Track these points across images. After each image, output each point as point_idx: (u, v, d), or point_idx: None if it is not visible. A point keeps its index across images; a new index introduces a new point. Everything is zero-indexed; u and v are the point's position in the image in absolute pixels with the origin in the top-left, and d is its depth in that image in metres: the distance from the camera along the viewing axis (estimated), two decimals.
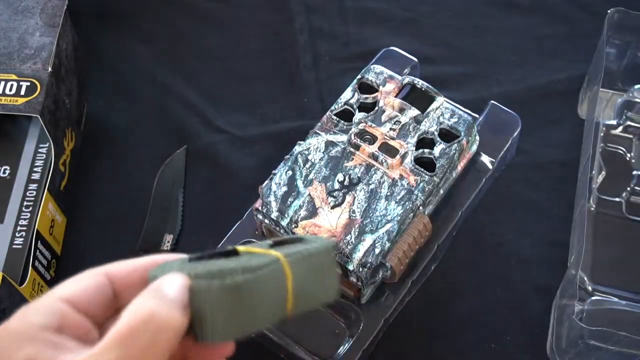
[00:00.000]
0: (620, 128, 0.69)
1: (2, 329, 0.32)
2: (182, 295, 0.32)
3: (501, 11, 0.79)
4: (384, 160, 0.57)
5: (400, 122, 0.60)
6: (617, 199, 0.65)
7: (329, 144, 0.59)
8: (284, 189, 0.57)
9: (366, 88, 0.62)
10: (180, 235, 0.65)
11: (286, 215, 0.56)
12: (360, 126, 0.59)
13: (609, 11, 0.68)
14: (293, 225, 0.55)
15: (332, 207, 0.56)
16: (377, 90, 0.62)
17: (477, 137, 0.61)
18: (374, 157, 0.58)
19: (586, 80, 0.72)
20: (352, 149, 0.58)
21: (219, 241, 0.60)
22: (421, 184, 0.57)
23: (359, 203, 0.56)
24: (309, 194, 0.56)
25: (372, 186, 0.57)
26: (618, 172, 0.66)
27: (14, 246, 0.60)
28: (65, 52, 0.66)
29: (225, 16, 0.80)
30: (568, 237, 0.64)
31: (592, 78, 0.69)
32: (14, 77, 0.61)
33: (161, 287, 0.32)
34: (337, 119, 0.61)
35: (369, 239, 0.54)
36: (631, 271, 0.63)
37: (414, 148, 0.59)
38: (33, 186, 0.64)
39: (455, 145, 0.59)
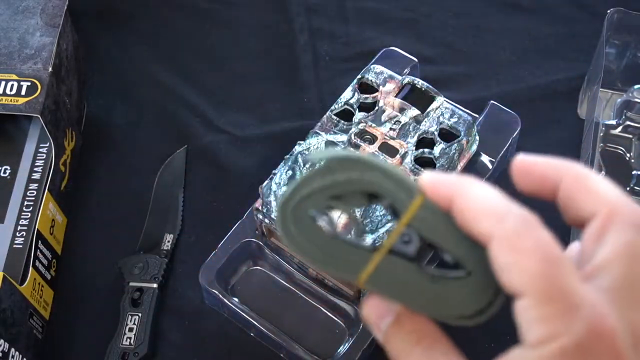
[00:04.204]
0: (620, 128, 0.69)
1: None
2: None
3: (501, 11, 0.79)
4: (384, 160, 0.57)
5: (400, 122, 0.60)
6: None
7: (329, 144, 0.59)
8: (284, 188, 0.57)
9: (366, 88, 0.63)
10: (181, 235, 0.65)
11: None
12: (360, 126, 0.59)
13: (608, 11, 0.68)
14: None
15: None
16: (377, 90, 0.62)
17: (477, 137, 0.61)
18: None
19: (586, 80, 0.72)
20: (352, 149, 0.58)
21: (219, 241, 0.60)
22: None
23: None
24: None
25: None
26: (618, 172, 0.66)
27: (15, 246, 0.60)
28: (66, 52, 0.66)
29: (225, 16, 0.80)
30: (568, 237, 0.64)
31: (591, 78, 0.69)
32: (14, 77, 0.61)
33: None
34: (337, 118, 0.61)
35: (369, 239, 0.54)
36: None
37: (414, 148, 0.59)
38: (33, 186, 0.64)
39: (455, 145, 0.59)
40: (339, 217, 0.31)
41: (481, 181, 0.30)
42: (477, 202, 0.29)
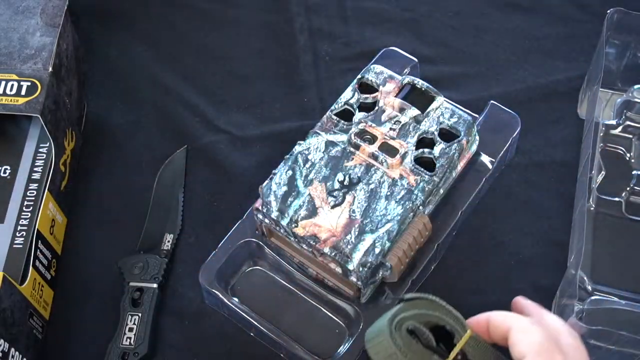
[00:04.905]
0: (620, 128, 0.69)
1: None
2: None
3: (501, 11, 0.79)
4: (384, 160, 0.57)
5: (400, 122, 0.60)
6: (616, 199, 0.65)
7: (329, 144, 0.59)
8: (284, 188, 0.57)
9: (366, 88, 0.63)
10: (181, 235, 0.65)
11: (286, 215, 0.56)
12: (360, 126, 0.59)
13: (608, 11, 0.68)
14: (293, 225, 0.55)
15: (332, 207, 0.56)
16: (377, 90, 0.62)
17: (477, 137, 0.61)
18: (374, 156, 0.58)
19: (586, 80, 0.72)
20: (352, 149, 0.58)
21: (219, 241, 0.60)
22: (421, 184, 0.57)
23: (359, 203, 0.56)
24: (309, 194, 0.56)
25: (372, 186, 0.57)
26: (618, 172, 0.66)
27: (15, 246, 0.60)
28: (66, 52, 0.66)
29: (225, 16, 0.80)
30: (568, 237, 0.64)
31: (591, 78, 0.69)
32: (14, 77, 0.61)
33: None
34: (337, 118, 0.61)
35: (369, 239, 0.54)
36: (630, 271, 0.63)
37: (414, 148, 0.59)
38: (33, 186, 0.64)
39: (455, 145, 0.59)
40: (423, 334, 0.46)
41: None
42: (498, 317, 0.46)
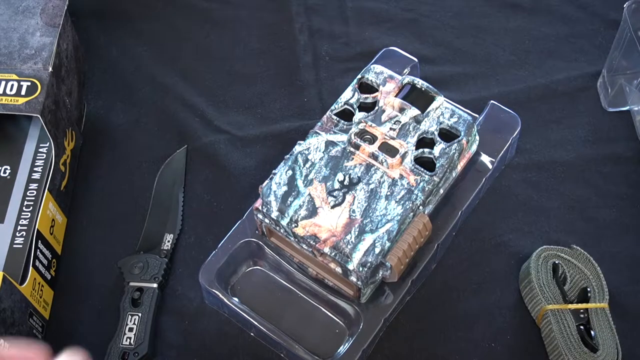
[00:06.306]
0: None
1: None
2: None
3: (501, 11, 0.79)
4: (384, 160, 0.57)
5: (400, 122, 0.60)
6: None
7: (329, 144, 0.59)
8: (284, 188, 0.57)
9: (366, 88, 0.63)
10: (180, 235, 0.65)
11: (286, 215, 0.56)
12: (360, 126, 0.59)
13: (625, 5, 0.67)
14: (293, 225, 0.55)
15: (332, 207, 0.56)
16: (377, 90, 0.62)
17: (477, 137, 0.61)
18: (374, 156, 0.58)
19: (605, 72, 0.70)
20: (352, 149, 0.58)
21: (219, 241, 0.60)
22: (421, 184, 0.57)
23: (359, 203, 0.56)
24: (309, 194, 0.56)
25: (372, 186, 0.57)
26: None
27: (15, 246, 0.60)
28: (66, 52, 0.66)
29: (225, 16, 0.80)
30: (568, 237, 0.64)
31: (611, 68, 0.68)
32: (14, 77, 0.61)
33: None
34: (337, 118, 0.61)
35: (369, 239, 0.54)
36: None
37: (414, 148, 0.59)
38: (33, 186, 0.64)
39: (455, 145, 0.59)
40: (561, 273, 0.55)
41: None
42: None
